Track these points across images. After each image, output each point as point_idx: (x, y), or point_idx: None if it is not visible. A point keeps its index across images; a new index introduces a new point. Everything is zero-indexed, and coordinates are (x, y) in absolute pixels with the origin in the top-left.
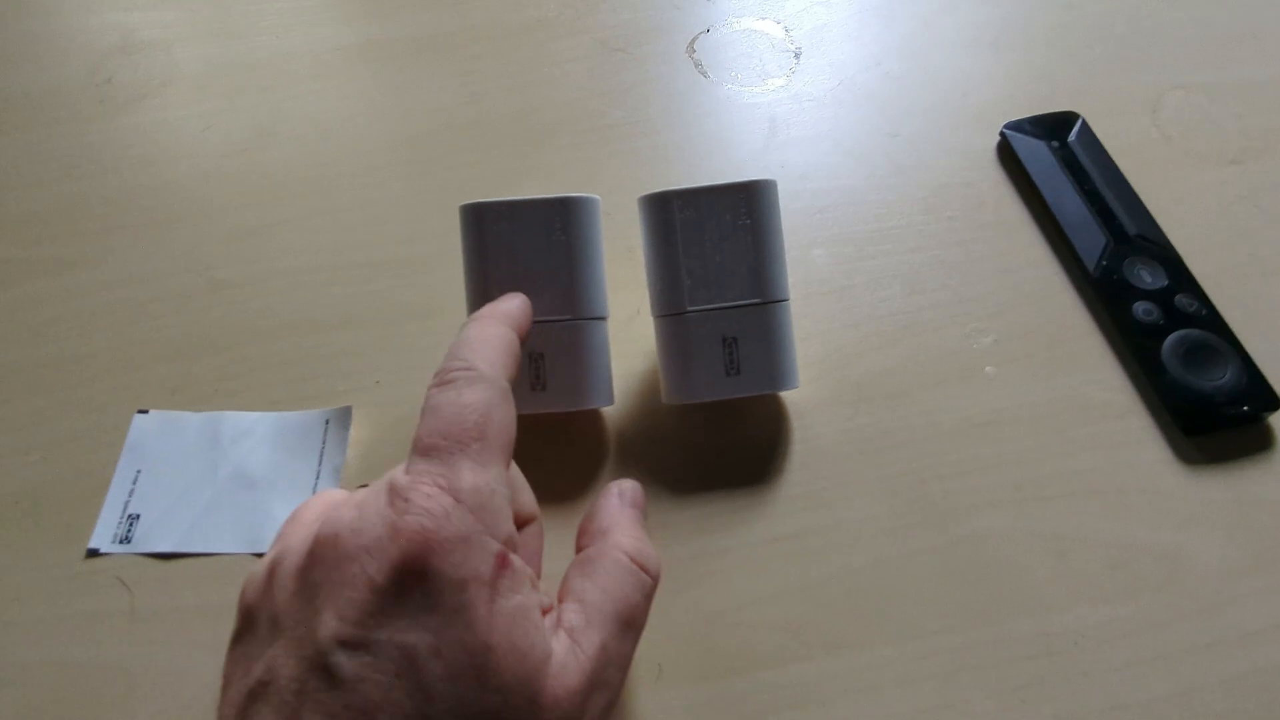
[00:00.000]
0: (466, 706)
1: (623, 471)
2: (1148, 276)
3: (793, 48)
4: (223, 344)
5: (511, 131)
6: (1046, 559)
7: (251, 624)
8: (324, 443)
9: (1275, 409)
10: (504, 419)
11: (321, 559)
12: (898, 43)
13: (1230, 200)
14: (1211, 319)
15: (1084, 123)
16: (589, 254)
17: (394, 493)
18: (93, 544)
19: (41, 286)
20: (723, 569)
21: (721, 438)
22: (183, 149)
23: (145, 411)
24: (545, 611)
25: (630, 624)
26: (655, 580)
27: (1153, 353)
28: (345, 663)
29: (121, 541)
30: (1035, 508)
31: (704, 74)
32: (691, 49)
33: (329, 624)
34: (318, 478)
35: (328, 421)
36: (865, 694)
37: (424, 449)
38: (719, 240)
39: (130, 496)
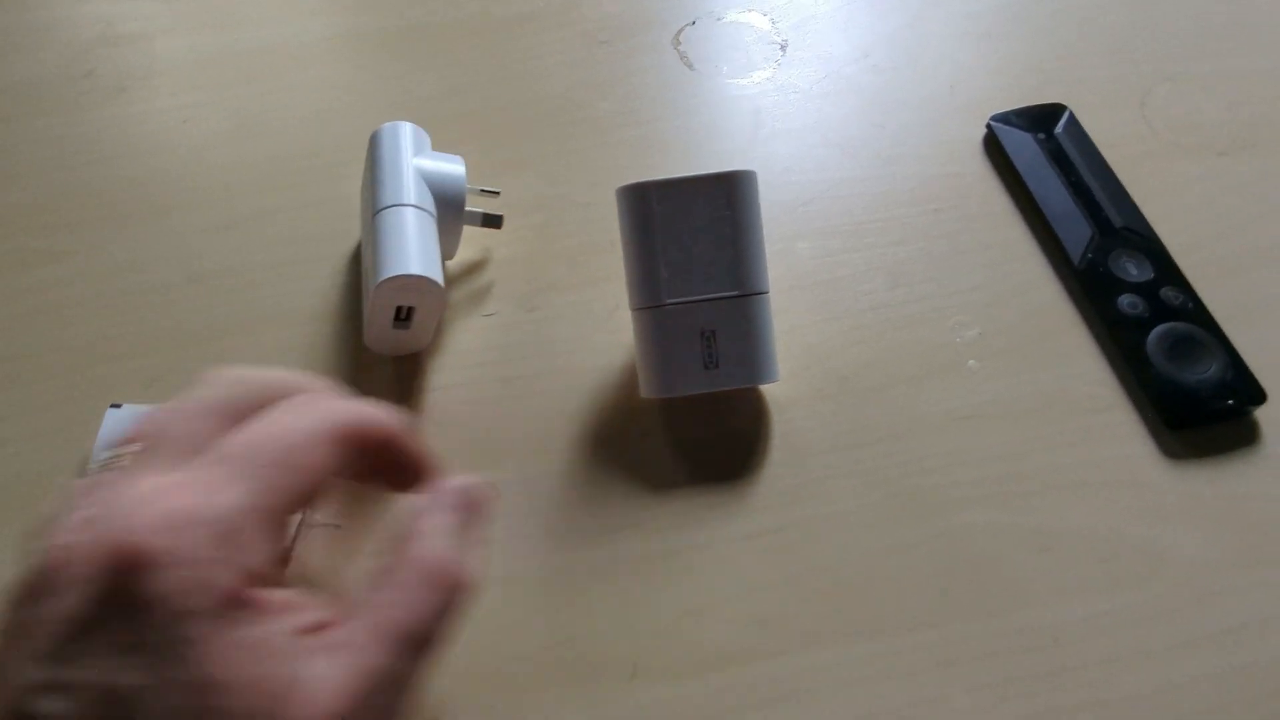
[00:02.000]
0: None
1: (599, 468)
2: (1133, 269)
3: (779, 40)
4: (203, 336)
5: (497, 123)
6: (1028, 554)
7: None
8: None
9: (1260, 403)
10: (312, 460)
11: (20, 597)
12: (885, 35)
13: (1218, 193)
14: (1197, 312)
15: (1071, 115)
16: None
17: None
18: None
19: (20, 278)
20: (701, 564)
21: (701, 432)
22: (164, 141)
23: (118, 406)
24: (320, 627)
25: (417, 643)
26: (455, 594)
27: (1137, 346)
28: (44, 710)
29: None
30: (1017, 502)
31: (690, 66)
32: (677, 41)
33: (25, 672)
34: None
35: None
36: (843, 690)
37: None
38: (697, 232)
39: None
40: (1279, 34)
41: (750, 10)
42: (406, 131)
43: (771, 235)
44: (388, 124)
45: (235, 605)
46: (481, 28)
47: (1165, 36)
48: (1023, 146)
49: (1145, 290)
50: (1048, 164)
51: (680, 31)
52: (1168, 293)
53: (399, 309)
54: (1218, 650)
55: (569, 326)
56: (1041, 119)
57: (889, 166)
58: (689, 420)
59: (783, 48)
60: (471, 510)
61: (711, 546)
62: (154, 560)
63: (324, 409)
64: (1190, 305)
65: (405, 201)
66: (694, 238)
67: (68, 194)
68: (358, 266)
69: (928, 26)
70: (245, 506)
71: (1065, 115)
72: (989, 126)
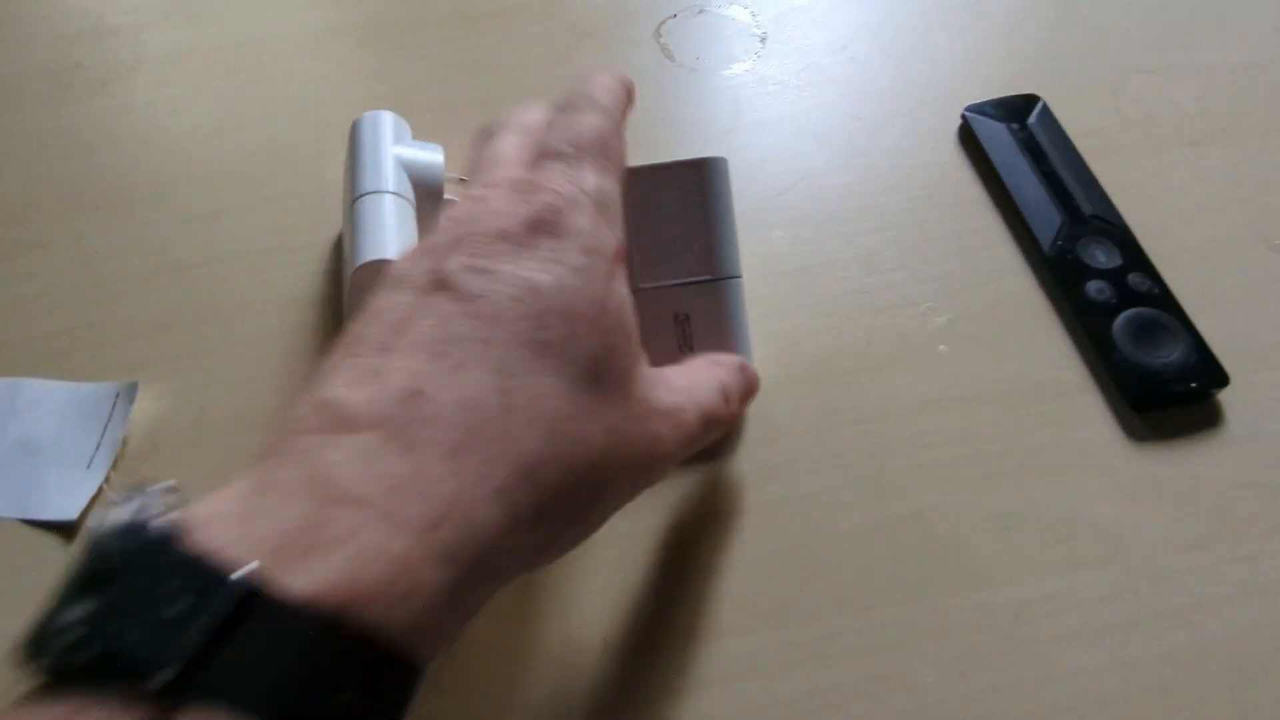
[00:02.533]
0: (573, 348)
1: None
2: (1102, 256)
3: (759, 32)
4: (184, 325)
5: (478, 114)
6: (992, 534)
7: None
8: (110, 415)
9: (1223, 386)
10: (619, 148)
11: (448, 228)
12: (864, 27)
13: (1188, 181)
14: (1163, 298)
15: (1044, 105)
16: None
17: (520, 184)
18: None
19: (3, 268)
20: (673, 544)
21: None
22: (148, 133)
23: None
24: None
25: (708, 410)
26: (721, 421)
27: (1104, 331)
28: (468, 280)
29: None
30: (984, 483)
31: (670, 58)
32: (659, 33)
33: (457, 259)
34: (97, 448)
35: (117, 395)
36: (810, 665)
37: (550, 153)
38: (670, 218)
39: None
40: (1250, 25)
41: (731, 3)
42: (386, 120)
43: (748, 223)
44: (368, 113)
45: (619, 262)
46: (464, 20)
47: (1138, 28)
48: (996, 136)
49: (1113, 276)
50: (1020, 153)
51: (662, 24)
52: (1135, 279)
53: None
54: (1175, 627)
55: None
56: (1015, 109)
57: (865, 156)
58: None
59: (762, 40)
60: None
61: (684, 526)
62: (571, 209)
63: (601, 104)
64: (1156, 291)
65: (384, 188)
66: (666, 224)
67: (51, 184)
68: (340, 255)
69: (906, 19)
70: (605, 184)
71: (1039, 106)
72: (964, 117)
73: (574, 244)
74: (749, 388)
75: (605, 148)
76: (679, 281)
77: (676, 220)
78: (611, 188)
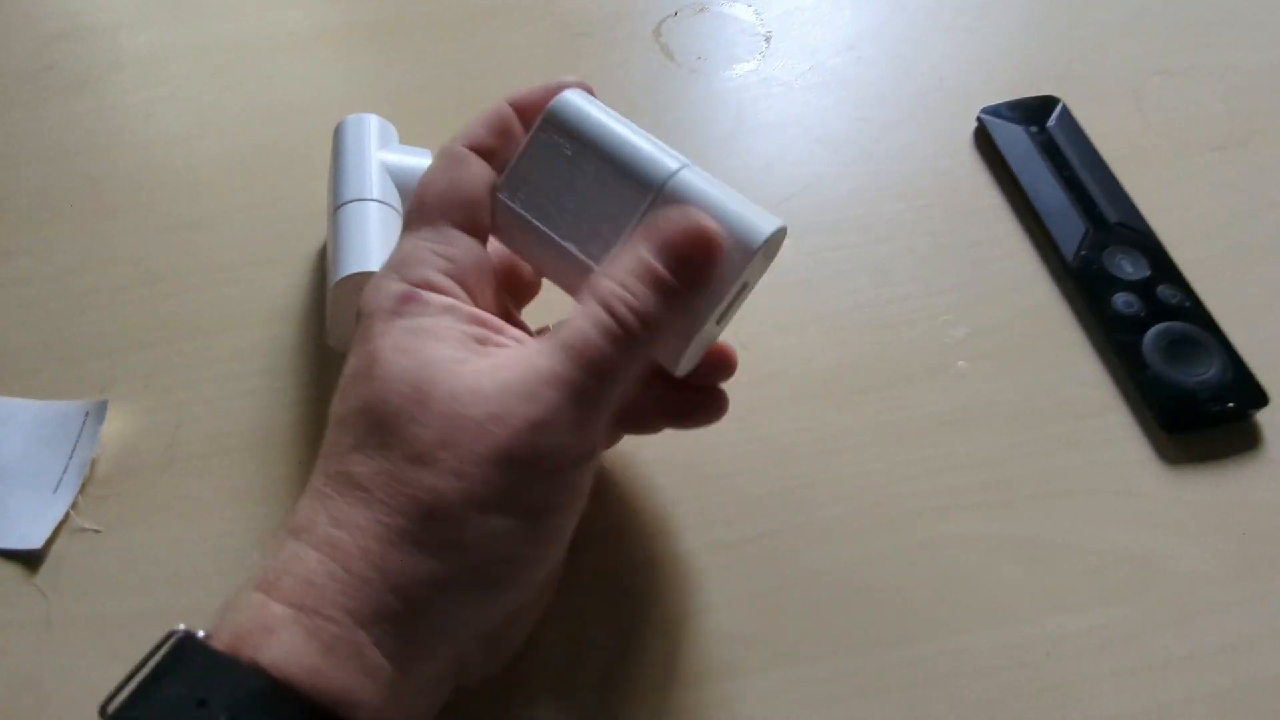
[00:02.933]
0: (363, 400)
1: None
2: (1129, 266)
3: (763, 31)
4: (160, 339)
5: (470, 117)
6: (1017, 564)
7: None
8: (79, 436)
9: (1261, 406)
10: (442, 182)
11: None
12: (872, 26)
13: (1214, 187)
14: (1195, 311)
15: (1064, 108)
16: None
17: None
18: None
19: None
20: (678, 575)
21: (676, 435)
22: (124, 137)
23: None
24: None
25: (581, 353)
26: (624, 328)
27: (1133, 346)
28: None
29: None
30: (1007, 510)
31: (671, 58)
32: (658, 33)
33: None
34: (64, 471)
35: (86, 414)
36: (825, 706)
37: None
38: (568, 186)
39: None
40: (1274, 26)
41: (734, 1)
42: (371, 124)
43: None
44: (352, 116)
45: (406, 302)
46: (455, 19)
47: (1160, 28)
48: (1014, 140)
49: (1141, 288)
50: (1040, 158)
51: (661, 23)
52: (1164, 291)
53: None
54: (1216, 666)
55: (538, 319)
56: (1034, 112)
57: (874, 161)
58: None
59: (767, 39)
60: (682, 256)
61: (690, 556)
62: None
63: (445, 153)
64: (1188, 304)
65: (368, 196)
66: (572, 193)
67: (21, 191)
68: (323, 266)
69: (914, 17)
70: (413, 239)
71: (1058, 108)
72: (979, 119)
73: (363, 318)
74: (692, 242)
75: (420, 199)
76: (631, 226)
77: (576, 181)
78: (412, 240)
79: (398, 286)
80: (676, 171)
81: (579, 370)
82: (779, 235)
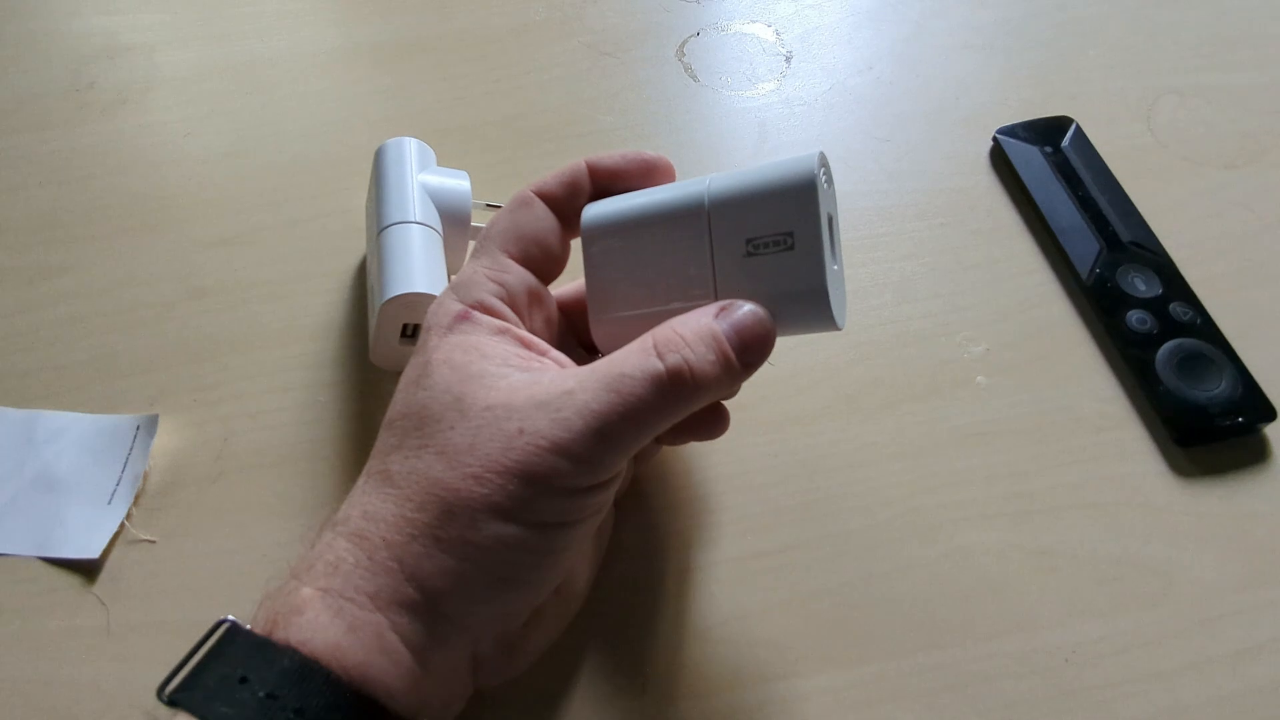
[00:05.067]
0: (410, 405)
1: None
2: (1142, 284)
3: (784, 51)
4: (206, 352)
5: (498, 137)
6: (1036, 574)
7: None
8: (130, 449)
9: (1271, 420)
10: (509, 221)
11: None
12: (890, 46)
13: (1226, 206)
14: (1206, 328)
15: (1078, 127)
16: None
17: None
18: None
19: (19, 294)
20: (708, 584)
21: (708, 448)
22: (164, 155)
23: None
24: (530, 354)
25: (619, 393)
26: (673, 380)
27: (1146, 362)
28: None
29: None
30: (1025, 521)
31: (694, 78)
32: (681, 53)
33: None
34: (118, 484)
35: (138, 428)
36: (850, 712)
37: None
38: (640, 269)
39: None
40: None
41: (754, 21)
42: (411, 147)
43: None
44: (392, 140)
45: (460, 319)
46: (481, 40)
47: (1171, 49)
48: (1029, 159)
49: (1154, 306)
50: (1054, 177)
51: (684, 43)
52: (1177, 308)
53: (405, 326)
54: (1229, 673)
55: None
56: (1048, 132)
57: (894, 180)
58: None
59: (787, 59)
60: (743, 338)
61: (719, 566)
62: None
63: (515, 197)
64: (1199, 321)
65: (410, 219)
66: (647, 272)
67: (67, 208)
68: (363, 280)
69: (932, 38)
70: (475, 265)
71: (1072, 128)
72: (995, 139)
73: (422, 331)
74: (763, 328)
75: (487, 233)
76: (708, 247)
77: (643, 256)
78: (474, 266)
79: (455, 306)
80: (707, 184)
81: (612, 410)
82: (823, 161)
